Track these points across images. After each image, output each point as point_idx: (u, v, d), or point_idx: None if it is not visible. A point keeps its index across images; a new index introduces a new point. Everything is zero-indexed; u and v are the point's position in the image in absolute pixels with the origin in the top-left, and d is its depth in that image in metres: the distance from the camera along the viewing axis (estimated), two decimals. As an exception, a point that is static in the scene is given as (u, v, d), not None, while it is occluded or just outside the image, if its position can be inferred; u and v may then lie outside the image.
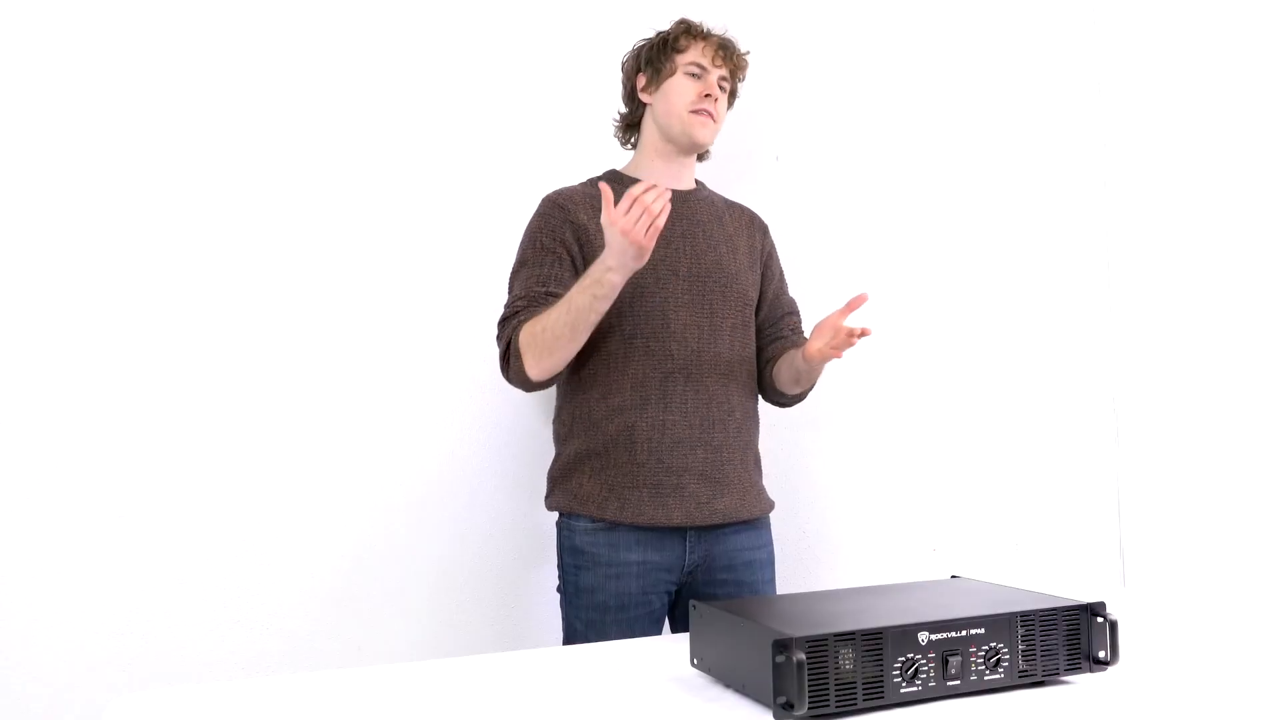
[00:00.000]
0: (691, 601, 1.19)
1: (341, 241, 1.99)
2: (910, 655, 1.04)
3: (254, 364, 1.92)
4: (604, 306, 1.60)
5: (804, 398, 1.92)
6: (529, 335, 1.65)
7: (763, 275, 1.89)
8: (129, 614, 1.82)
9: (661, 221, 1.50)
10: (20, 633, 1.75)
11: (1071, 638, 1.12)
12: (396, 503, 1.98)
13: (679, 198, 1.83)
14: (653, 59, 1.81)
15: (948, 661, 1.06)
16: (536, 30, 2.14)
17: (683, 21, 1.83)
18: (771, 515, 1.87)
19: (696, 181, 1.90)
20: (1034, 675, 1.10)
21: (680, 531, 1.72)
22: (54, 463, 1.79)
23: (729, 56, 1.82)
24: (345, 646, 1.94)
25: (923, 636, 1.05)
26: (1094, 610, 1.13)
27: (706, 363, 1.74)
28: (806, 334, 1.94)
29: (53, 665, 1.77)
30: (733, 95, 1.88)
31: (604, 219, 1.52)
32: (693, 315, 1.73)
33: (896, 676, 1.04)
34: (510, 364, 1.69)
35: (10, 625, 1.75)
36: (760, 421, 1.90)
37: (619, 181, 1.83)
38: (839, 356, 1.63)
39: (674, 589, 1.75)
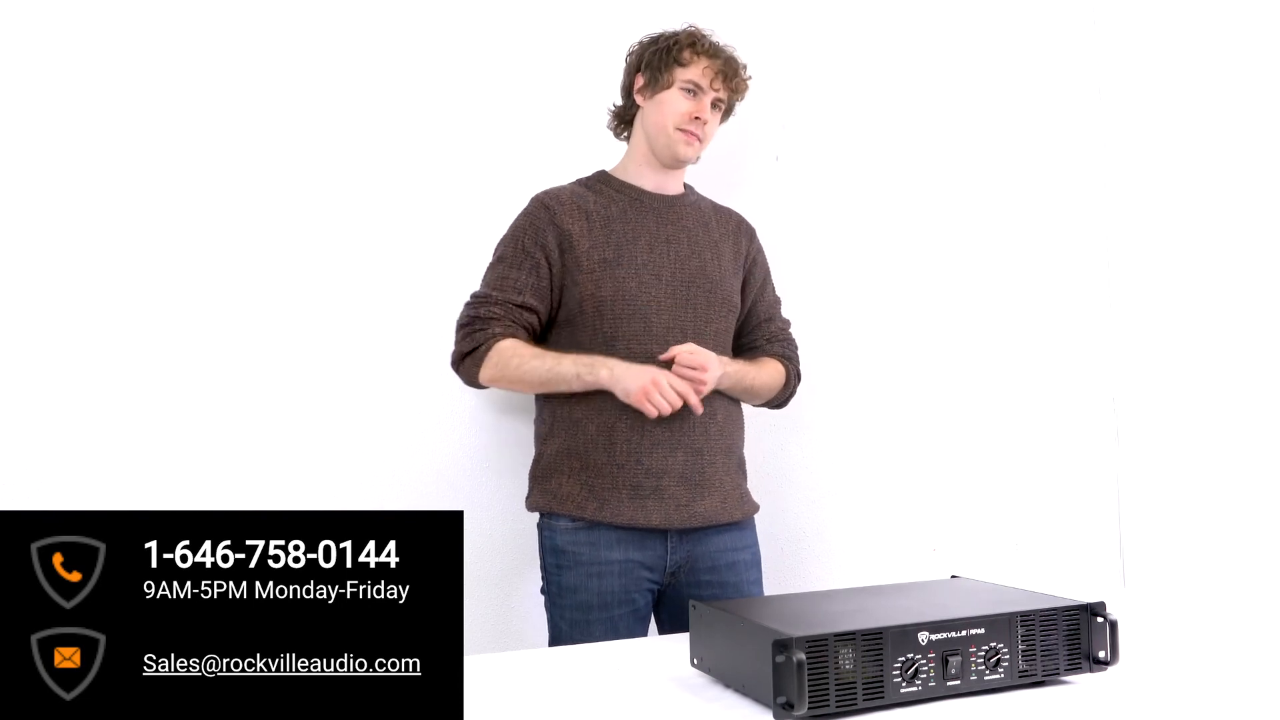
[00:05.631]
0: (692, 602, 1.19)
1: (333, 241, 1.97)
2: (910, 655, 1.04)
3: (245, 365, 1.90)
4: (581, 388, 1.69)
5: (778, 405, 1.91)
6: (501, 358, 1.70)
7: (745, 280, 1.88)
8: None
9: (673, 406, 1.65)
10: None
11: (1071, 638, 1.12)
12: (388, 505, 1.97)
13: (665, 203, 1.82)
14: (653, 63, 1.79)
15: (948, 661, 1.06)
16: (528, 26, 2.13)
17: (691, 34, 1.79)
18: (770, 517, 1.87)
19: (685, 185, 1.89)
20: (1034, 675, 1.10)
21: (662, 531, 1.71)
22: (42, 470, 1.79)
23: (728, 79, 1.78)
24: (345, 647, 1.93)
25: (923, 636, 1.05)
26: (1094, 610, 1.13)
27: None
28: (798, 339, 1.94)
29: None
30: (728, 112, 1.86)
31: (667, 368, 1.66)
32: (675, 319, 1.72)
33: (896, 676, 1.04)
34: (465, 362, 1.74)
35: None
36: (756, 422, 1.89)
37: (608, 184, 1.82)
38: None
39: (657, 588, 1.74)
